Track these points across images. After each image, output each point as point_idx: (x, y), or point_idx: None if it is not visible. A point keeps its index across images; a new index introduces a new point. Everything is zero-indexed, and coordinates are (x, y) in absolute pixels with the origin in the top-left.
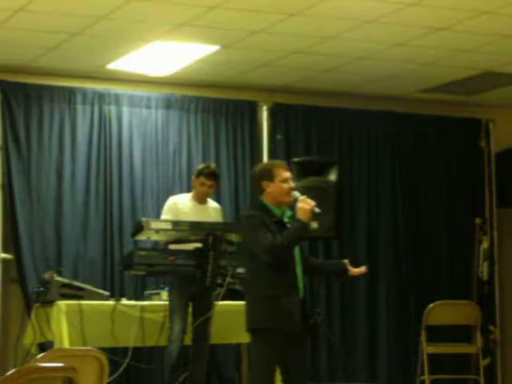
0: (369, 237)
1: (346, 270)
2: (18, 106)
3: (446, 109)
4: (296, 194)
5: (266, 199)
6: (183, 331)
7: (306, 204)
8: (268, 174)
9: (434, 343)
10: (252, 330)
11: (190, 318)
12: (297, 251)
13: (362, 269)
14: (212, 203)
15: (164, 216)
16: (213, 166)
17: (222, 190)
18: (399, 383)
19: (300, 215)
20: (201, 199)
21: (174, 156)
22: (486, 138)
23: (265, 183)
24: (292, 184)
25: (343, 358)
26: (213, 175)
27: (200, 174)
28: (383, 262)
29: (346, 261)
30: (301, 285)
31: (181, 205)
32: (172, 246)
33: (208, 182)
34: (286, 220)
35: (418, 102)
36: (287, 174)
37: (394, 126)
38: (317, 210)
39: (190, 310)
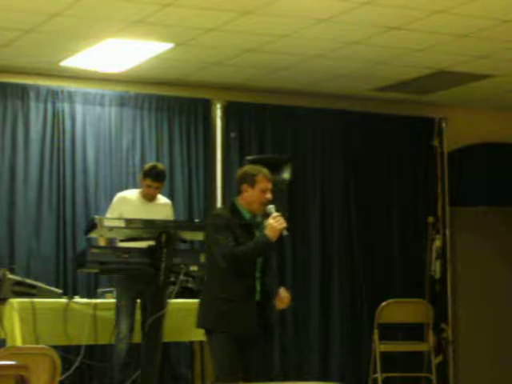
0: (322, 235)
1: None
2: None
3: (399, 108)
4: (271, 208)
5: (239, 201)
6: (130, 329)
7: (277, 223)
8: (250, 179)
9: (387, 341)
10: (205, 330)
11: (137, 316)
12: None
13: (285, 297)
14: (162, 199)
15: (108, 214)
16: (160, 166)
17: (176, 188)
18: (352, 381)
19: (268, 231)
20: (149, 197)
21: (127, 154)
22: (438, 137)
23: (245, 186)
24: (270, 196)
25: (296, 356)
26: (159, 177)
27: (146, 175)
28: (336, 260)
29: (279, 296)
30: (259, 287)
31: (128, 201)
32: (122, 244)
33: (155, 185)
34: (254, 224)
35: (372, 101)
36: (268, 185)
37: (348, 125)
38: (285, 232)
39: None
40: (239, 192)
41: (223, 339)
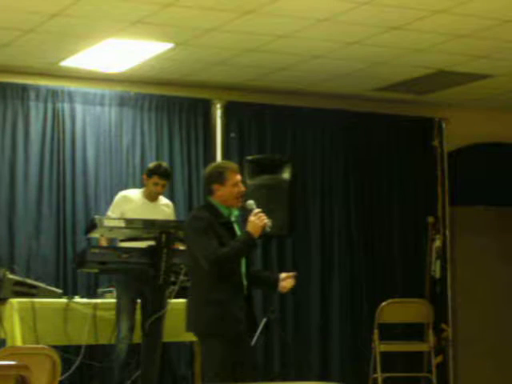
0: (322, 235)
1: (276, 285)
2: None
3: (398, 107)
4: (251, 204)
5: (214, 199)
6: (131, 329)
7: (259, 220)
8: (219, 177)
9: (387, 341)
10: (198, 334)
11: (137, 316)
12: None
13: (290, 274)
14: (164, 200)
15: (109, 213)
16: (164, 164)
17: (176, 188)
18: (352, 381)
19: (250, 228)
20: (152, 197)
21: (127, 154)
22: (438, 137)
23: (215, 186)
24: (242, 188)
25: (296, 356)
26: (166, 174)
27: (153, 173)
28: (336, 260)
29: (283, 275)
30: (245, 282)
31: (130, 200)
32: (122, 244)
33: (162, 182)
34: (233, 219)
35: (371, 101)
36: (238, 178)
37: (348, 125)
38: (268, 228)
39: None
40: (210, 193)
41: (216, 342)
